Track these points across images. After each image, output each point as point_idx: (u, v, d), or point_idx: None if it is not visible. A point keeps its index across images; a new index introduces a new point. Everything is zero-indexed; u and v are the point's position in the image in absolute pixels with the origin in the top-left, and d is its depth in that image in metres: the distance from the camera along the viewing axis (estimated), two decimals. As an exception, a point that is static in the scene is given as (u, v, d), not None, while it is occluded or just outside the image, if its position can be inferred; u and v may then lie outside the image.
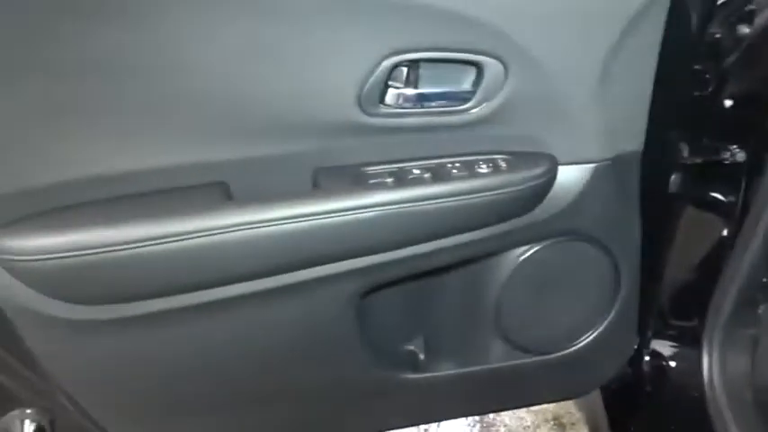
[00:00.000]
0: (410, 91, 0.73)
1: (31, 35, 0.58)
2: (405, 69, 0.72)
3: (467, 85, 0.75)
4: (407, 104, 0.73)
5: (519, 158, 0.78)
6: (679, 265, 1.02)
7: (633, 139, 0.83)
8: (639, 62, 0.77)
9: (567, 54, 0.73)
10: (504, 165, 0.77)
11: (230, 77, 0.66)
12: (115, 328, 0.73)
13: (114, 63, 0.62)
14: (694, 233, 1.01)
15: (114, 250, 0.65)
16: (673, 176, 0.95)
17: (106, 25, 0.60)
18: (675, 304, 1.07)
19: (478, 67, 0.72)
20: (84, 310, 0.71)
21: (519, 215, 0.81)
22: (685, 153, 0.92)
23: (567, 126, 0.78)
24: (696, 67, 0.88)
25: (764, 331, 0.95)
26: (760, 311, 0.95)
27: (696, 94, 0.88)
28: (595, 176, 0.81)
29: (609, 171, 0.82)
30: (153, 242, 0.66)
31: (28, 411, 0.89)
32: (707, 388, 0.98)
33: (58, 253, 0.64)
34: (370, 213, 0.71)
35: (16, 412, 0.89)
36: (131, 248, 0.65)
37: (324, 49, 0.67)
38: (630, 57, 0.75)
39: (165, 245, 0.66)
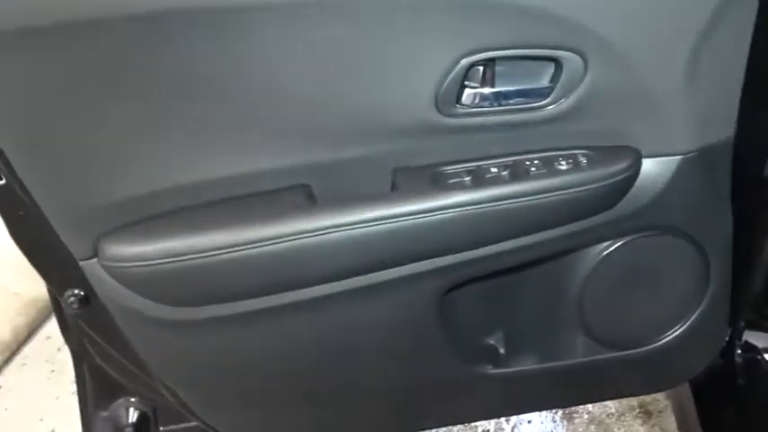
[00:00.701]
0: (486, 90, 0.72)
1: (127, 56, 0.62)
2: (481, 68, 0.71)
3: (545, 80, 0.73)
4: (484, 103, 0.73)
5: (600, 153, 0.76)
6: None
7: (724, 127, 0.79)
8: (731, 47, 0.73)
9: (651, 43, 0.70)
10: (584, 161, 0.75)
11: (313, 84, 0.68)
12: (208, 327, 0.77)
13: (205, 76, 0.65)
14: None
15: (207, 256, 0.69)
16: None
17: (196, 42, 0.62)
18: None
19: (557, 62, 0.71)
20: (178, 311, 0.75)
21: (601, 211, 0.79)
22: None
23: (651, 118, 0.75)
24: None
25: None
26: None
27: None
28: (683, 168, 0.78)
29: (697, 162, 0.79)
30: (243, 247, 0.69)
31: (132, 400, 0.97)
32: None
33: (155, 259, 0.68)
34: (450, 214, 0.72)
35: (122, 400, 0.97)
36: (223, 254, 0.69)
37: (401, 53, 0.67)
38: (721, 42, 0.71)
39: (254, 249, 0.69)
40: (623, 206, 0.79)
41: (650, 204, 0.80)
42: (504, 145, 0.76)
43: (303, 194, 0.73)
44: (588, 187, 0.74)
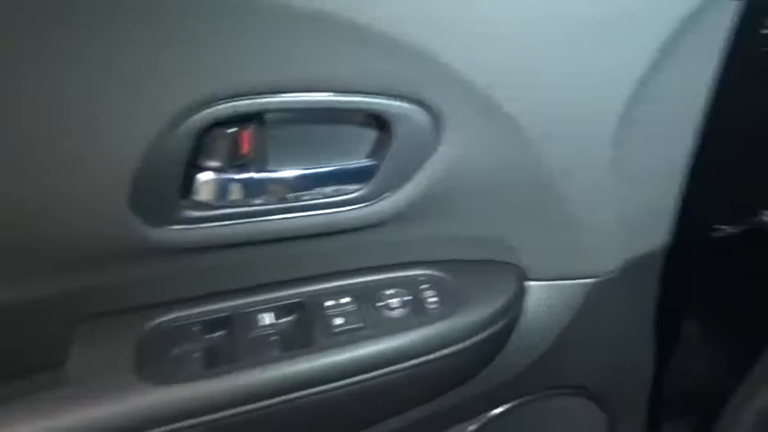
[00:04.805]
0: (244, 174, 0.37)
1: None
2: (232, 133, 0.36)
3: (357, 155, 0.39)
4: (238, 200, 0.38)
5: (459, 282, 0.43)
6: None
7: (656, 232, 0.49)
8: (677, 109, 0.43)
9: (570, 105, 0.38)
10: (431, 300, 0.42)
11: None
12: None
13: None
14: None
15: None
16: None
17: None
18: None
19: (380, 119, 0.37)
20: None
21: (461, 383, 0.46)
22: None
23: (548, 221, 0.44)
24: None
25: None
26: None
27: None
28: (591, 299, 0.48)
29: (613, 287, 0.48)
30: None
31: None
32: None
33: None
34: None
35: None
36: None
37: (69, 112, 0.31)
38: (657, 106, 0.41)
39: None
40: (497, 369, 0.47)
41: (541, 359, 0.48)
42: (274, 272, 0.41)
43: None
44: (437, 355, 0.41)
